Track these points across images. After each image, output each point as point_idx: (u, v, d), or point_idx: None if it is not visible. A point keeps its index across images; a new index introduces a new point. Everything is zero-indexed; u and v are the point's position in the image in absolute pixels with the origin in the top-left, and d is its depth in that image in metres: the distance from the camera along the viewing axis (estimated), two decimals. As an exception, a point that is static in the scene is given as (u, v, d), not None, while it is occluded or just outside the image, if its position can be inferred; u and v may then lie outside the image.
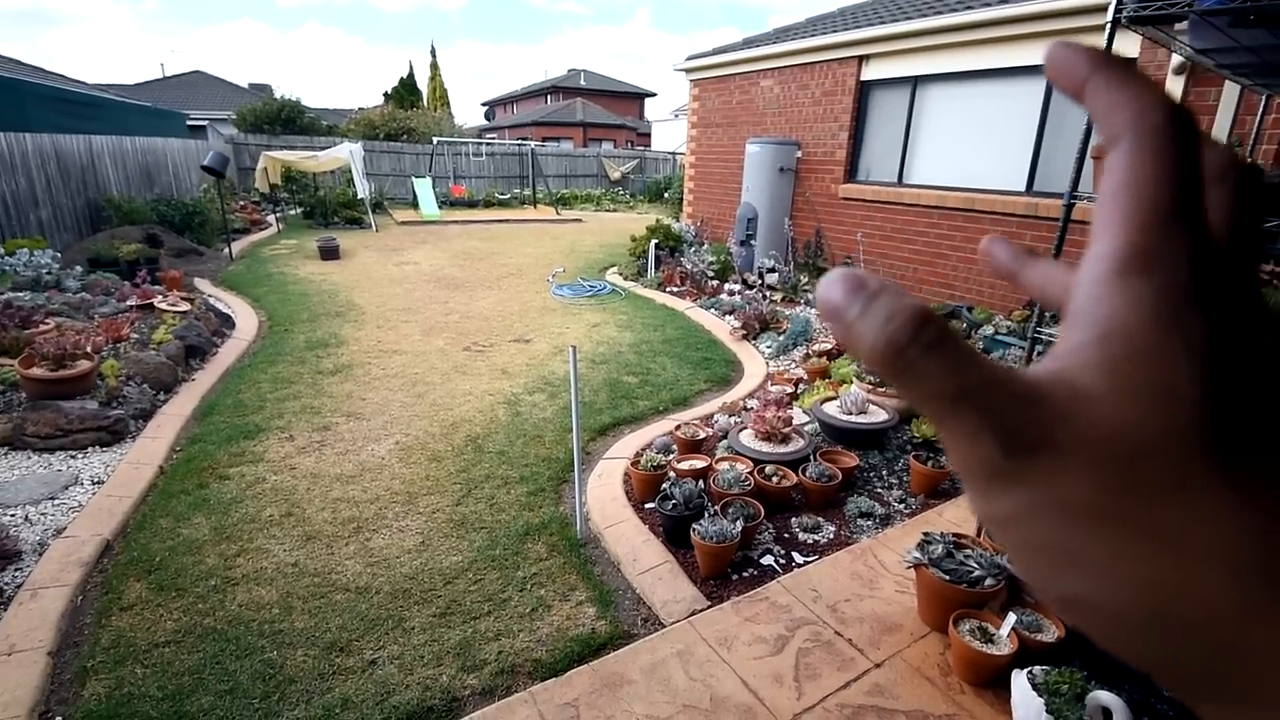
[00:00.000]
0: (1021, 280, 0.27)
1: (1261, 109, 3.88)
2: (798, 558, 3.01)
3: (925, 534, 2.63)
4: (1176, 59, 5.00)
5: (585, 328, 6.81)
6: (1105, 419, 0.18)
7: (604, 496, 3.50)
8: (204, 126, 22.51)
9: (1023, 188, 6.45)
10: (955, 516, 3.31)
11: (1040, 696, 1.97)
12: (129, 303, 5.98)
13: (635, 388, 5.10)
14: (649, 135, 34.03)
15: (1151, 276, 0.18)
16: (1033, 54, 6.23)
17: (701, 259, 8.76)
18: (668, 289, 8.49)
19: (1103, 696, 1.89)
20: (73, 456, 3.75)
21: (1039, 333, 2.64)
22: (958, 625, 2.32)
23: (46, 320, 5.00)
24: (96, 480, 3.53)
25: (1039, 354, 4.47)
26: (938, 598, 2.47)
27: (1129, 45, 5.24)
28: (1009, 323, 5.86)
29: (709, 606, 2.66)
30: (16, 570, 2.78)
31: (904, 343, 0.19)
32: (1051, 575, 0.19)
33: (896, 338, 0.19)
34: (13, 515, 3.16)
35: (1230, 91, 4.68)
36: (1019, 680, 2.07)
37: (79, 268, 6.86)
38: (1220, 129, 4.78)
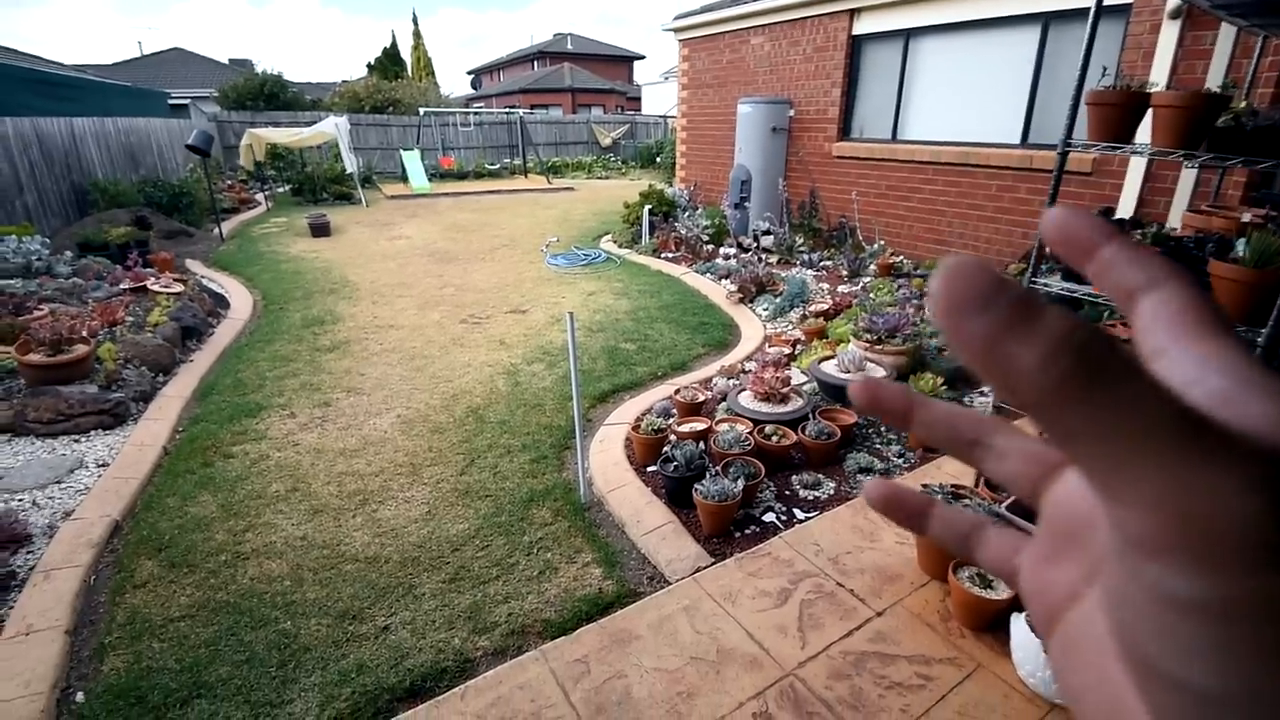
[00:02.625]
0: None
1: (1258, 51, 3.80)
2: (799, 514, 3.06)
3: (924, 485, 2.67)
4: (1172, 2, 4.90)
5: (581, 296, 6.78)
6: None
7: (606, 461, 3.54)
8: (186, 105, 22.06)
9: (1018, 140, 6.38)
10: (954, 469, 3.35)
11: (1039, 637, 2.02)
12: (122, 286, 5.94)
13: (634, 354, 5.11)
14: (639, 99, 33.41)
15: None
16: (1025, 2, 6.09)
17: (696, 223, 8.68)
18: (663, 255, 8.43)
19: (1098, 635, 1.94)
20: (76, 440, 3.77)
21: (1034, 283, 2.64)
22: (957, 572, 2.37)
23: (40, 307, 4.97)
24: (101, 463, 3.55)
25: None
26: (937, 546, 2.51)
27: (1126, -12, 5.13)
28: (1005, 276, 5.84)
29: (713, 563, 2.71)
30: (28, 553, 2.82)
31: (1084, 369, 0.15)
32: None
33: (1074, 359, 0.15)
34: (20, 500, 3.19)
35: (1226, 35, 4.59)
36: (1018, 623, 2.12)
37: (69, 253, 6.78)
38: (1216, 73, 4.70)
